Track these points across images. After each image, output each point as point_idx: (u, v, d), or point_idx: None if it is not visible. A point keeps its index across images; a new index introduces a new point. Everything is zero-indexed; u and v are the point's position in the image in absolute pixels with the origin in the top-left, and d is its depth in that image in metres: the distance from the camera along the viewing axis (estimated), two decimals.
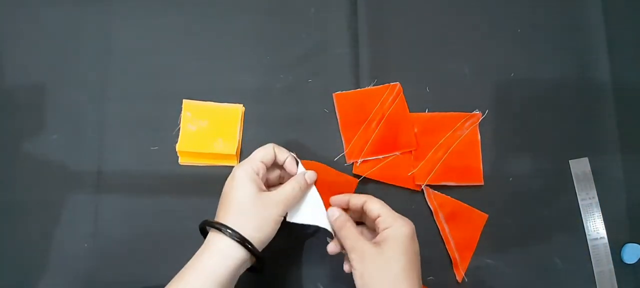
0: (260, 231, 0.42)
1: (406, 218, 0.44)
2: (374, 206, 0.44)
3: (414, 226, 0.43)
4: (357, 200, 0.46)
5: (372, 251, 0.42)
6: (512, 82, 0.56)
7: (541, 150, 0.55)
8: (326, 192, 0.48)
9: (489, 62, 0.56)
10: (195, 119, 0.54)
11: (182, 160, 0.54)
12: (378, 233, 0.43)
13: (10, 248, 0.53)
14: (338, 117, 0.55)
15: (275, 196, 0.44)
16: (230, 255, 0.41)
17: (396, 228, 0.42)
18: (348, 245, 0.44)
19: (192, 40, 0.57)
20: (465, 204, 0.53)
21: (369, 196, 0.46)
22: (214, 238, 0.42)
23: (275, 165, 0.48)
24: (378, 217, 0.44)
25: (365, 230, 0.47)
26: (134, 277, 0.52)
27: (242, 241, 0.41)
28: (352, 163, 0.54)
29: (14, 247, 0.53)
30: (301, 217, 0.47)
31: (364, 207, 0.45)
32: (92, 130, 0.55)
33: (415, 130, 0.54)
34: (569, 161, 0.55)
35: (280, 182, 0.49)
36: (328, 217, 0.46)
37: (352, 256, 0.43)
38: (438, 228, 0.53)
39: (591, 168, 0.55)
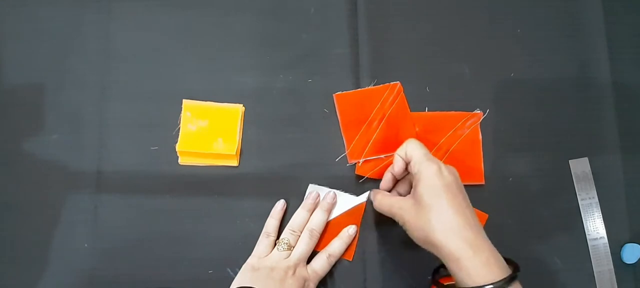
0: None
1: (435, 159, 0.44)
2: (410, 152, 0.45)
3: (441, 164, 0.43)
4: (399, 160, 0.47)
5: (406, 200, 0.44)
6: (512, 82, 0.56)
7: (541, 150, 0.55)
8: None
9: (489, 62, 0.56)
10: (195, 119, 0.54)
11: (182, 160, 0.54)
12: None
13: (10, 248, 0.53)
14: (339, 118, 0.55)
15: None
16: None
17: (420, 171, 0.43)
18: (386, 210, 0.47)
19: (192, 40, 0.57)
20: None
21: (406, 142, 0.46)
22: None
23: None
24: (409, 163, 0.46)
25: None
26: (134, 277, 0.53)
27: None
28: (354, 163, 0.54)
29: (14, 247, 0.53)
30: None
31: (406, 156, 0.46)
32: (92, 130, 0.55)
33: (417, 129, 0.54)
34: (569, 161, 0.55)
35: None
36: (363, 199, 0.52)
37: (394, 214, 0.45)
38: None
39: (591, 168, 0.55)
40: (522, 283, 0.50)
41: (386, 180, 0.50)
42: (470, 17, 0.57)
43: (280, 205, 0.52)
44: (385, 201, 0.47)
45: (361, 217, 0.53)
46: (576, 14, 0.58)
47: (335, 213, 0.53)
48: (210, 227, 0.53)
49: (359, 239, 0.53)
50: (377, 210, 0.49)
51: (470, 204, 0.43)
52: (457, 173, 0.44)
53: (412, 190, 0.44)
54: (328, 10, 0.57)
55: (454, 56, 0.57)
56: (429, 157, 0.44)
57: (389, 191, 0.51)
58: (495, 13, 0.58)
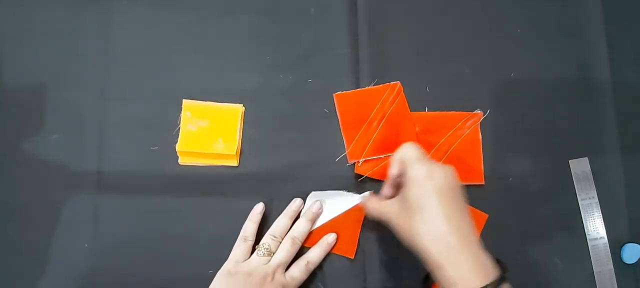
0: None
1: (428, 161, 0.43)
2: (404, 155, 0.44)
3: (434, 166, 0.42)
4: (394, 164, 0.46)
5: (393, 203, 0.44)
6: (512, 82, 0.56)
7: (541, 150, 0.55)
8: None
9: (489, 62, 0.56)
10: (195, 119, 0.54)
11: (182, 160, 0.54)
12: None
13: (10, 249, 0.53)
14: (339, 117, 0.55)
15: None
16: None
17: (410, 174, 0.42)
18: (376, 215, 0.47)
19: (192, 40, 0.57)
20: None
21: (402, 145, 0.45)
22: None
23: None
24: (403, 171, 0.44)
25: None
26: (134, 277, 0.53)
27: None
28: (354, 163, 0.54)
29: (14, 247, 0.53)
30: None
31: (402, 159, 0.45)
32: (92, 130, 0.55)
33: (417, 129, 0.54)
34: (569, 161, 0.55)
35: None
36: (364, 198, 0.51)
37: (382, 218, 0.45)
38: None
39: (591, 168, 0.55)
40: (522, 284, 0.49)
41: (386, 186, 0.49)
42: (470, 17, 0.57)
43: (258, 208, 0.52)
44: (375, 206, 0.47)
45: (362, 216, 0.53)
46: (576, 14, 0.58)
47: (336, 212, 0.53)
48: (210, 227, 0.53)
49: (359, 239, 0.53)
50: (369, 217, 0.49)
51: (465, 205, 0.42)
52: (451, 174, 0.42)
53: (402, 192, 0.43)
54: (328, 10, 0.57)
55: (454, 56, 0.57)
56: (421, 159, 0.43)
57: (392, 196, 0.50)
58: (495, 13, 0.58)
